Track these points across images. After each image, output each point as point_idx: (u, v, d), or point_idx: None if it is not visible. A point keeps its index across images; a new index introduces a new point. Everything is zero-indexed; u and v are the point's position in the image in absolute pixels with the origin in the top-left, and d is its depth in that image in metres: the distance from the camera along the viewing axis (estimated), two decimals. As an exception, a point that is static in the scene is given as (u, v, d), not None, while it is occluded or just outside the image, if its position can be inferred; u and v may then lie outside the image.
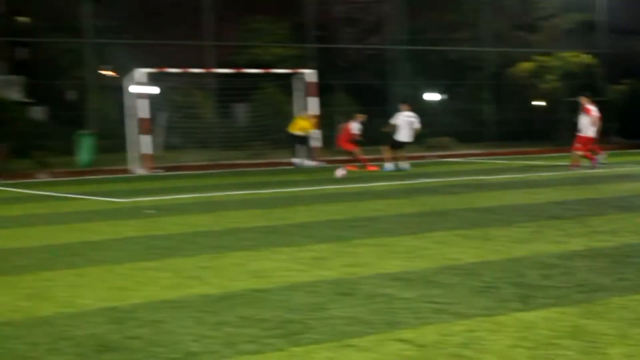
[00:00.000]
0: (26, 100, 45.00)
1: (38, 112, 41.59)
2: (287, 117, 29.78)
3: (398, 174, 23.23)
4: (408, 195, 16.73)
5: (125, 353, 5.66)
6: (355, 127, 26.32)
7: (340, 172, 22.10)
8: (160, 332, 6.16)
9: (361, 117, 26.72)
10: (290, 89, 30.33)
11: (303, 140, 27.97)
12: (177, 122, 29.23)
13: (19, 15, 57.68)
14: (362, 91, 38.46)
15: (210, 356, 5.51)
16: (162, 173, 24.55)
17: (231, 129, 32.53)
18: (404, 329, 5.99)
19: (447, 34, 42.34)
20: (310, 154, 28.35)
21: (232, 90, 31.35)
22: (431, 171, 23.69)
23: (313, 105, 28.82)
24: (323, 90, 30.84)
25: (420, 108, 29.39)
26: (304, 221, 12.62)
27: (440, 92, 43.89)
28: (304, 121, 28.12)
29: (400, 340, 5.69)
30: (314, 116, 28.84)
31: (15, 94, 44.72)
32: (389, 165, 24.90)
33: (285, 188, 19.13)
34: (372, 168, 25.29)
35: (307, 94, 29.02)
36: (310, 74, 29.34)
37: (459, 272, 8.07)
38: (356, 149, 26.32)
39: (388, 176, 22.33)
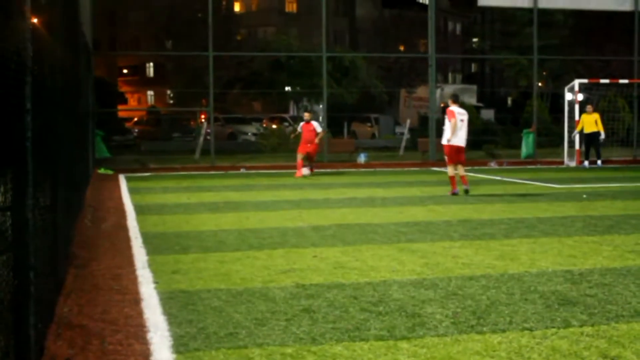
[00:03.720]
0: (478, 104, 46.44)
1: (487, 114, 42.73)
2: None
3: None
4: None
5: (584, 307, 5.78)
6: None
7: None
8: (611, 294, 6.19)
9: None
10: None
11: None
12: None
13: (472, 36, 60.04)
14: None
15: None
16: (589, 166, 23.79)
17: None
18: None
19: None
20: None
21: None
22: None
23: None
24: None
25: None
26: None
27: None
28: None
29: None
30: None
31: (469, 99, 46.34)
32: None
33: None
34: None
35: None
36: None
37: None
38: None
39: None
